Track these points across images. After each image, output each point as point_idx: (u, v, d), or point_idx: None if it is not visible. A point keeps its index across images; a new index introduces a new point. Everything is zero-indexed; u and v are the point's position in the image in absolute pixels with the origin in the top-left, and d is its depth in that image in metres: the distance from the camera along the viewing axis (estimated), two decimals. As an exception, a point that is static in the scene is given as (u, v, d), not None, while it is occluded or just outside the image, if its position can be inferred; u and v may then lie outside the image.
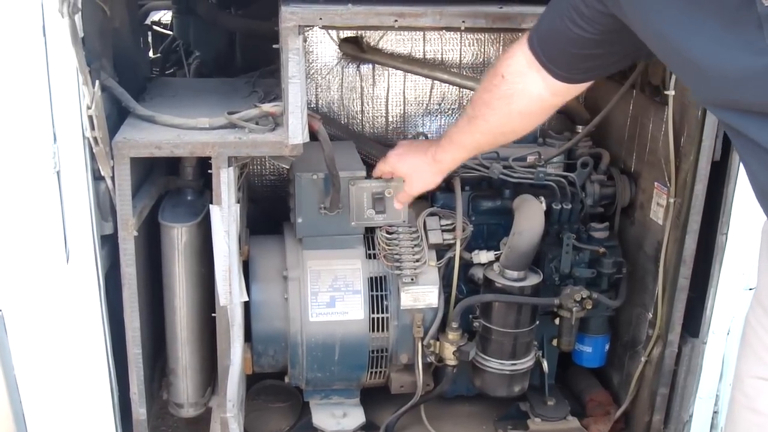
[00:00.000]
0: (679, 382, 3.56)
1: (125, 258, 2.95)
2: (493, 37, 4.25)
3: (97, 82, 2.75)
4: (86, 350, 2.96)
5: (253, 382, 3.87)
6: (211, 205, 2.96)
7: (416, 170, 3.28)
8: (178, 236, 3.19)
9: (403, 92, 4.27)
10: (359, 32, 4.02)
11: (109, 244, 2.99)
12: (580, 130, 3.88)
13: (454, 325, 3.50)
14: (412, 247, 3.49)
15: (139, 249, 3.00)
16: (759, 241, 2.36)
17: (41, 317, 2.88)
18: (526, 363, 3.55)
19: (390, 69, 4.19)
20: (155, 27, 5.88)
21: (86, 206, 2.82)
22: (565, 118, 4.11)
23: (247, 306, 3.31)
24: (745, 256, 3.34)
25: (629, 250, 3.79)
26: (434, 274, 3.52)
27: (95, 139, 2.72)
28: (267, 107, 3.03)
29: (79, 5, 2.60)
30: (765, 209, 2.12)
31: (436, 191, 3.70)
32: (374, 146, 4.16)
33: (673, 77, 3.31)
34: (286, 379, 3.64)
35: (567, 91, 2.71)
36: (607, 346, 3.87)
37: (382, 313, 3.52)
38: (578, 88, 2.74)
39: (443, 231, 3.56)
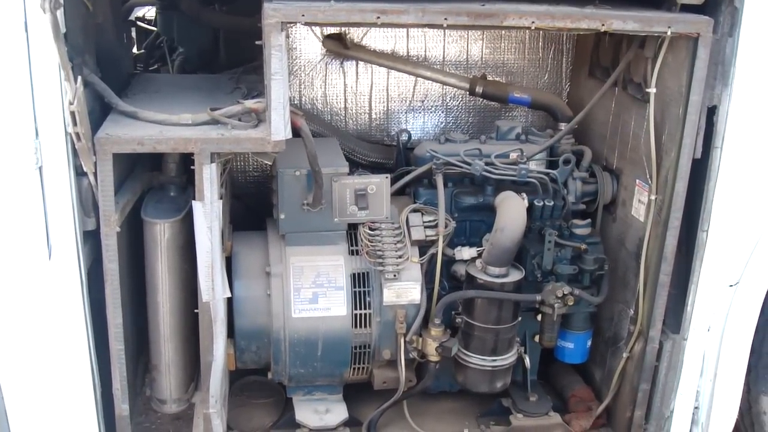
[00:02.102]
0: (660, 378, 3.58)
1: (108, 254, 2.95)
2: (476, 34, 4.27)
3: (79, 77, 2.76)
4: (69, 346, 2.96)
5: (236, 378, 3.88)
6: (193, 201, 2.96)
7: None
8: (161, 232, 3.19)
9: (387, 89, 4.28)
10: (342, 29, 4.03)
11: (92, 240, 3.00)
12: (562, 127, 3.89)
13: (437, 321, 3.51)
14: (395, 244, 3.50)
15: (121, 245, 3.01)
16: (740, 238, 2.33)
17: (23, 313, 2.88)
18: (508, 359, 3.57)
19: (373, 66, 4.20)
20: (139, 23, 5.86)
21: (69, 202, 2.82)
22: (548, 115, 4.12)
23: (230, 302, 3.31)
24: (726, 253, 3.37)
25: (611, 246, 3.81)
26: (417, 270, 3.53)
27: (77, 134, 2.72)
28: (250, 104, 3.04)
29: (61, 1, 2.60)
30: None
31: (419, 187, 3.72)
32: (357, 143, 4.17)
33: (655, 75, 3.33)
34: (269, 375, 3.64)
35: None
36: (589, 343, 3.89)
37: (365, 309, 3.52)
38: None
39: (426, 227, 3.57)
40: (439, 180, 3.59)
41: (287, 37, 2.93)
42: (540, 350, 3.89)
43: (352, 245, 3.55)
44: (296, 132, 3.04)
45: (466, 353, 3.54)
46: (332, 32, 4.06)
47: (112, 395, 3.13)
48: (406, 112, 4.35)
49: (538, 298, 3.55)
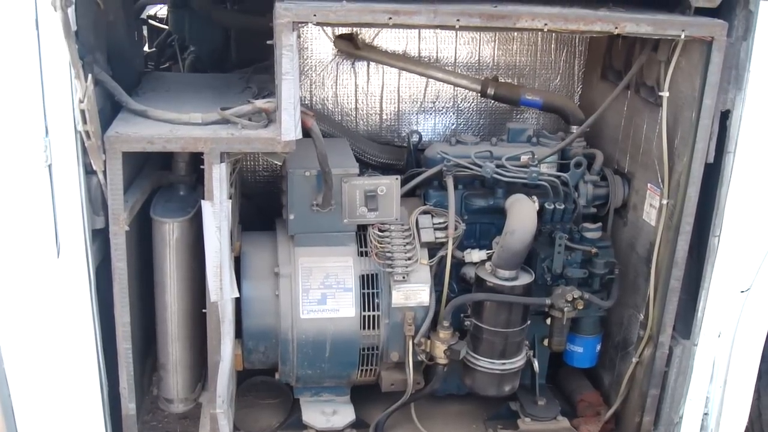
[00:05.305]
0: (669, 383, 3.56)
1: (116, 253, 2.94)
2: (488, 36, 4.25)
3: (89, 75, 2.75)
4: (76, 345, 2.96)
5: (243, 378, 3.87)
6: (202, 201, 2.95)
7: None
8: (170, 231, 3.18)
9: (398, 90, 4.27)
10: (354, 29, 4.02)
11: (101, 238, 2.99)
12: (574, 130, 3.87)
13: (446, 323, 3.50)
14: (404, 245, 3.49)
15: (130, 244, 3.00)
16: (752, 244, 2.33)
17: (31, 312, 2.87)
18: (516, 363, 3.55)
19: (385, 66, 4.19)
20: (151, 21, 5.86)
21: (77, 200, 2.82)
22: (560, 117, 4.10)
23: (238, 302, 3.30)
24: (737, 259, 3.34)
25: (621, 250, 3.79)
26: (426, 272, 3.52)
27: (87, 133, 2.71)
28: (260, 103, 3.03)
29: (73, -2, 2.60)
30: None
31: (429, 189, 3.70)
32: (368, 144, 4.16)
33: (668, 78, 3.31)
34: (277, 376, 3.64)
35: None
36: (598, 347, 3.87)
37: (374, 310, 3.51)
38: None
39: (436, 229, 3.56)
40: (450, 182, 3.57)
41: (298, 36, 2.91)
42: (549, 354, 3.87)
43: (361, 246, 3.54)
44: (306, 132, 3.03)
45: (475, 356, 3.52)
46: (344, 32, 4.05)
47: (119, 394, 3.12)
48: (417, 113, 4.34)
49: (548, 301, 3.53)
